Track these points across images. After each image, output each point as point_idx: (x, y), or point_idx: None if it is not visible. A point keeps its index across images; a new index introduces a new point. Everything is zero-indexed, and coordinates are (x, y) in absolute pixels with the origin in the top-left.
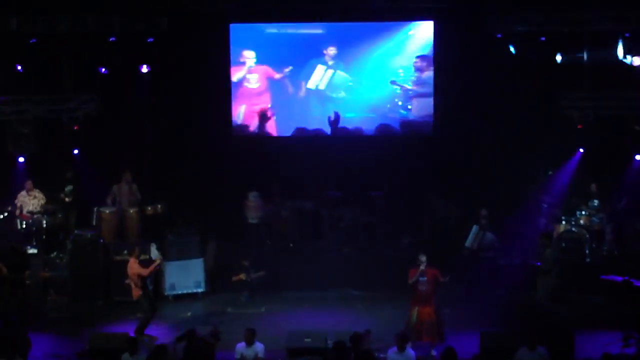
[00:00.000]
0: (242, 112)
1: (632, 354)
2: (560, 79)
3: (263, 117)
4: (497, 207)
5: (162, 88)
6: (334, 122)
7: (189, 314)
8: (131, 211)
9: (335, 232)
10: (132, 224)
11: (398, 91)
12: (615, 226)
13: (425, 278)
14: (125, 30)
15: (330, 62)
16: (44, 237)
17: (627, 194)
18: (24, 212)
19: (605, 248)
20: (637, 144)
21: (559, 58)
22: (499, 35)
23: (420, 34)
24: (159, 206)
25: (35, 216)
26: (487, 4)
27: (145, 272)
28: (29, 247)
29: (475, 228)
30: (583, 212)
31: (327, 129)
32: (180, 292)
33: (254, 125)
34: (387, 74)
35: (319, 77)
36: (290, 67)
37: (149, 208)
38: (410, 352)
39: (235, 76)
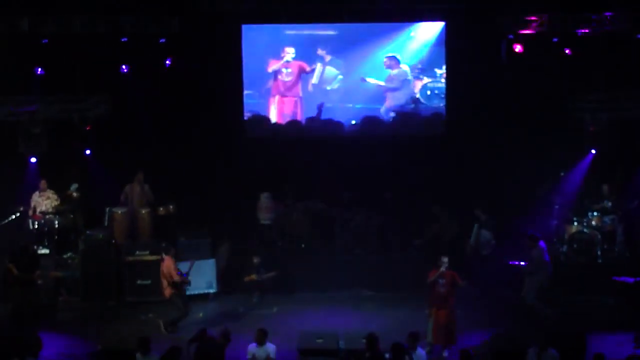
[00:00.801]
0: (276, 102)
1: None
2: (572, 80)
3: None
4: (508, 208)
5: (175, 89)
6: (318, 111)
7: (201, 314)
8: (143, 212)
9: (347, 233)
10: (144, 225)
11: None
12: (627, 227)
13: (445, 280)
14: (137, 31)
15: (327, 59)
16: (55, 237)
17: (639, 195)
18: (37, 212)
19: (616, 249)
20: None
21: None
22: (511, 36)
23: (421, 36)
24: (171, 207)
25: (47, 216)
26: (499, 4)
27: (176, 277)
28: (40, 247)
29: (476, 226)
30: (595, 213)
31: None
32: (192, 293)
33: (292, 114)
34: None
35: (319, 73)
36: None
37: (161, 209)
38: (420, 351)
39: (271, 67)
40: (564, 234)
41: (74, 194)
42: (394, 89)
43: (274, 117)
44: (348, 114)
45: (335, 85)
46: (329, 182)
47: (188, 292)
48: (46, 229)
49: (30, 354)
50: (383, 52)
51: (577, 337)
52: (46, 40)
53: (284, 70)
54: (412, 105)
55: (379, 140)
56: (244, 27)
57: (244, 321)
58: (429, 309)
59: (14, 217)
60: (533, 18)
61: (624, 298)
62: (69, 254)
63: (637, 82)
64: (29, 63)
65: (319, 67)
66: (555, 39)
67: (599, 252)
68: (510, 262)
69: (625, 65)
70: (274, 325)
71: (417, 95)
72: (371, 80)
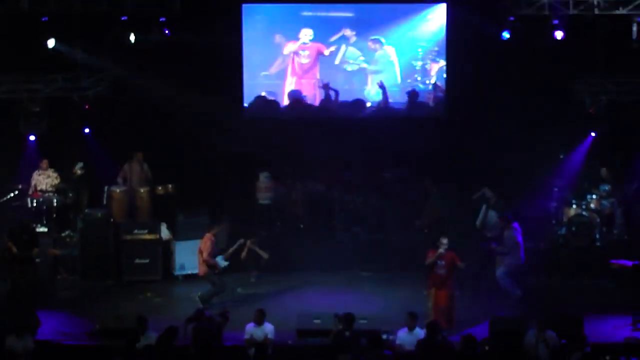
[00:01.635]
0: (291, 86)
1: None
2: (573, 62)
3: (326, 89)
4: (508, 190)
5: (174, 68)
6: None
7: (199, 294)
8: (142, 191)
9: (346, 214)
10: (143, 204)
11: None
12: (626, 210)
13: (444, 262)
14: (137, 10)
15: (352, 40)
16: (54, 215)
17: (638, 179)
18: (37, 190)
19: (615, 232)
20: None
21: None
22: (512, 18)
23: (437, 18)
24: (170, 186)
25: (46, 195)
26: None
27: (206, 256)
28: (39, 225)
29: (483, 207)
30: (594, 196)
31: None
32: (190, 272)
33: (312, 97)
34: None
35: (342, 53)
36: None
37: (160, 188)
38: (419, 332)
39: (287, 49)
40: (562, 216)
41: (79, 172)
42: (377, 72)
43: (287, 99)
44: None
45: (356, 67)
46: (329, 162)
47: (187, 272)
48: (45, 207)
49: (28, 331)
50: (399, 34)
51: (575, 320)
52: (46, 19)
53: (301, 52)
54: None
55: (379, 121)
56: (244, 6)
57: (241, 301)
58: (428, 290)
59: (12, 195)
60: None
61: (622, 281)
62: (67, 233)
63: (637, 65)
64: (29, 41)
65: (342, 47)
66: (555, 21)
67: (597, 235)
68: (482, 244)
69: (625, 47)
70: (272, 306)
71: (434, 80)
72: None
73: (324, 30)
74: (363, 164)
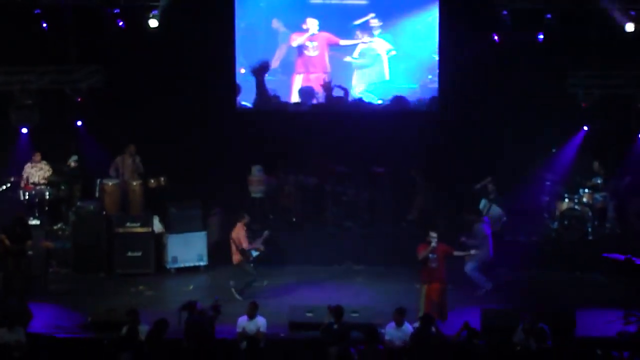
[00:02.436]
0: (299, 82)
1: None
2: (566, 56)
3: (327, 88)
4: (500, 184)
5: (167, 60)
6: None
7: (191, 287)
8: (134, 184)
9: (338, 207)
10: (135, 197)
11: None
12: (618, 204)
13: (436, 255)
14: (129, 2)
15: (376, 33)
16: (46, 208)
17: (631, 172)
18: (29, 182)
19: (607, 226)
20: None
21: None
22: (505, 12)
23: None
24: (162, 179)
25: (38, 187)
26: None
27: (245, 244)
28: (31, 218)
29: (484, 201)
30: (586, 190)
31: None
32: (182, 265)
33: (317, 96)
34: (426, 45)
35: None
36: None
37: (152, 181)
38: (408, 327)
39: (295, 42)
40: (555, 210)
41: (72, 164)
42: (363, 66)
43: (295, 96)
44: (376, 92)
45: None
46: (321, 156)
47: (179, 265)
48: (37, 200)
49: (20, 324)
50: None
51: (567, 314)
52: (39, 11)
53: (309, 44)
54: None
55: (371, 114)
56: None
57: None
58: (421, 284)
59: (4, 187)
60: None
61: (614, 275)
62: (59, 225)
63: (629, 59)
64: (22, 34)
65: (364, 38)
66: (548, 15)
67: (589, 229)
68: (462, 240)
69: (618, 41)
70: (264, 299)
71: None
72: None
73: (335, 19)
74: (355, 158)
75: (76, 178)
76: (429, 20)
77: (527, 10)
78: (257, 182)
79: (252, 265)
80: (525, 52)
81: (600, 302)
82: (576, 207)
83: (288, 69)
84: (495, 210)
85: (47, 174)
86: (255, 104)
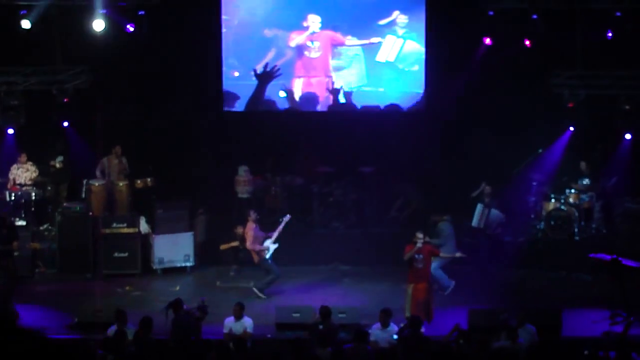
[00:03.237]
0: (299, 87)
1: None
2: (551, 57)
3: (334, 93)
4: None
5: (154, 61)
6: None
7: (178, 287)
8: (121, 184)
9: (325, 208)
10: (122, 197)
11: None
12: (605, 204)
13: (422, 256)
14: (115, 3)
15: (400, 32)
16: (32, 209)
17: (617, 173)
18: (16, 184)
19: (594, 226)
20: (628, 123)
21: None
22: (491, 13)
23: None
24: (149, 180)
25: (24, 188)
26: None
27: (250, 244)
28: (17, 219)
29: (479, 207)
30: (572, 191)
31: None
32: (169, 266)
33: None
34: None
35: (389, 48)
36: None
37: (139, 181)
38: (393, 328)
39: (294, 41)
40: (541, 210)
41: (58, 165)
42: (340, 68)
43: (294, 103)
44: (377, 98)
45: (415, 67)
46: (308, 156)
47: (165, 266)
48: (23, 200)
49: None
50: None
51: (553, 314)
52: (24, 12)
53: (309, 44)
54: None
55: (358, 115)
56: None
57: (221, 295)
58: (407, 285)
59: None
60: None
61: (601, 275)
62: (46, 226)
63: (615, 59)
64: (6, 33)
65: (390, 39)
66: (534, 16)
67: (576, 229)
68: (426, 241)
69: (604, 42)
70: (251, 299)
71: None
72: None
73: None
74: (342, 158)
75: (62, 179)
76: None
77: (513, 10)
78: (243, 182)
79: (270, 263)
80: (510, 53)
81: (587, 302)
82: (562, 207)
83: (285, 70)
84: (494, 213)
85: (34, 174)
86: (247, 106)
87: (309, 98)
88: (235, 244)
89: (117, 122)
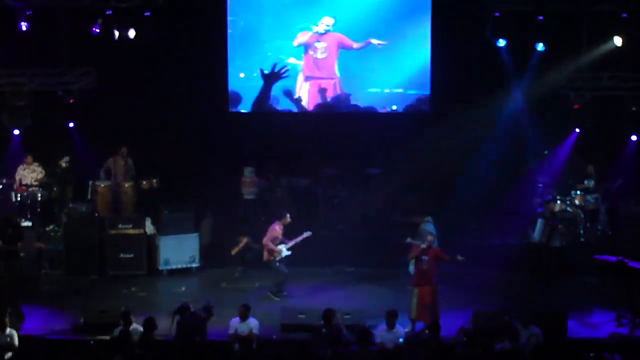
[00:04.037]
0: (305, 88)
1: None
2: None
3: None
4: (493, 186)
5: (159, 63)
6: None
7: (183, 288)
8: (126, 185)
9: (330, 210)
10: (127, 198)
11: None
12: (610, 206)
13: (427, 257)
14: (121, 5)
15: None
16: (38, 210)
17: (622, 175)
18: (22, 184)
19: (599, 228)
20: (633, 124)
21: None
22: (497, 14)
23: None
24: (154, 181)
25: (30, 189)
26: None
27: (266, 240)
28: (23, 219)
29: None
30: (578, 192)
31: None
32: (174, 267)
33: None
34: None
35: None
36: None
37: (144, 182)
38: (399, 329)
39: (298, 40)
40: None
41: (64, 165)
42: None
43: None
44: (386, 99)
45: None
46: (313, 158)
47: (171, 267)
48: (29, 201)
49: (12, 326)
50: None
51: (558, 315)
52: (30, 12)
53: (316, 44)
54: None
55: (363, 117)
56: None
57: (226, 296)
58: (412, 286)
59: None
60: None
61: (606, 277)
62: (51, 227)
63: (621, 61)
64: (13, 35)
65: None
66: (540, 17)
67: (581, 231)
68: (407, 241)
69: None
70: (256, 301)
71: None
72: None
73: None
74: (347, 160)
75: (68, 180)
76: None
77: (519, 12)
78: (249, 183)
79: (280, 264)
80: (517, 54)
81: (592, 304)
82: (568, 209)
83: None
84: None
85: (40, 175)
86: (252, 107)
87: (314, 99)
88: (243, 242)
89: (123, 123)
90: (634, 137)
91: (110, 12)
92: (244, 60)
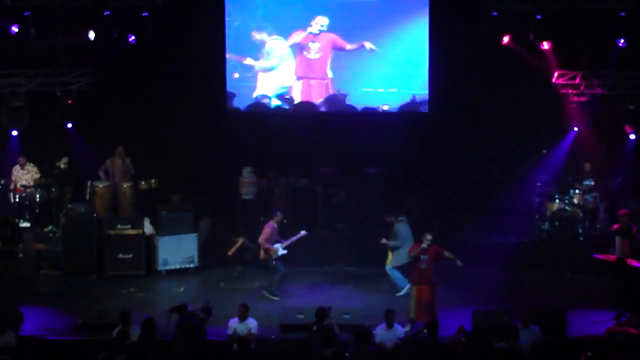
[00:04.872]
0: (298, 88)
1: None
2: (556, 57)
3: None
4: (491, 185)
5: (157, 63)
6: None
7: (182, 289)
8: (125, 186)
9: (329, 209)
10: (126, 199)
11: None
12: (609, 205)
13: (426, 257)
14: (120, 5)
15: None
16: (37, 211)
17: (621, 173)
18: (18, 186)
19: (598, 227)
20: (632, 123)
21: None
22: (495, 13)
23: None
24: (153, 181)
25: (28, 190)
26: None
27: (261, 240)
28: (21, 220)
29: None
30: (577, 191)
31: None
32: (173, 268)
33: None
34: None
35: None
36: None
37: (143, 183)
38: (398, 328)
39: (292, 40)
40: (545, 211)
41: (62, 166)
42: (269, 68)
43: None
44: (382, 99)
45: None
46: (312, 157)
47: (170, 267)
48: (27, 202)
49: (11, 327)
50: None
51: (558, 314)
52: (29, 13)
53: (310, 44)
54: None
55: (362, 116)
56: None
57: (225, 296)
58: (411, 285)
59: None
60: None
61: (605, 276)
62: (50, 228)
63: (619, 60)
64: (11, 36)
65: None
66: (538, 16)
67: (580, 230)
68: (382, 242)
69: (609, 42)
70: (255, 301)
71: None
72: None
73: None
74: (346, 159)
75: (67, 180)
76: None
77: (517, 10)
78: (248, 183)
79: (276, 262)
80: (514, 53)
81: (591, 302)
82: (567, 207)
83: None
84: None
85: (36, 176)
86: (249, 106)
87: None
88: (240, 242)
89: (121, 123)
90: (632, 136)
91: (108, 12)
92: (238, 60)
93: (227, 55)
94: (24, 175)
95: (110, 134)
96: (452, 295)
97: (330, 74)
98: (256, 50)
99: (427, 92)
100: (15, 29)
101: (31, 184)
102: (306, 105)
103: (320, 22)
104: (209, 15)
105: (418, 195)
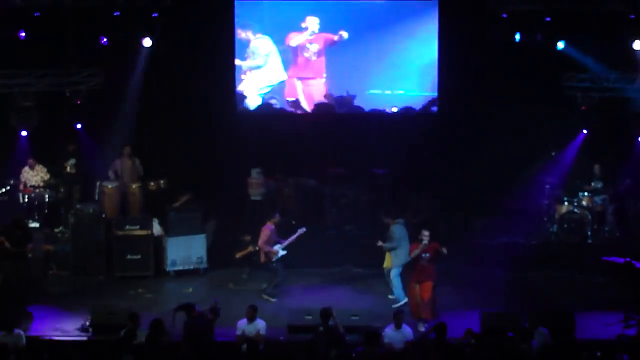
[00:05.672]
0: (299, 89)
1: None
2: (565, 59)
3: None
4: (500, 186)
5: (167, 63)
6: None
7: (191, 289)
8: (134, 186)
9: (337, 210)
10: (135, 199)
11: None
12: (618, 207)
13: (428, 254)
14: (129, 5)
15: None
16: (46, 211)
17: (630, 176)
18: (27, 186)
19: (607, 229)
20: None
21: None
22: (504, 15)
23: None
24: (162, 181)
25: (37, 190)
26: None
27: (261, 242)
28: (30, 221)
29: None
30: (585, 193)
31: None
32: (181, 268)
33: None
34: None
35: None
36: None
37: (152, 183)
38: (407, 329)
39: (294, 41)
40: (554, 213)
41: (68, 169)
42: (256, 67)
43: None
44: (390, 100)
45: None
46: (320, 158)
47: (178, 268)
48: (36, 202)
49: (20, 327)
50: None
51: (566, 316)
52: (38, 14)
53: (309, 45)
54: None
55: (371, 117)
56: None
57: (233, 297)
58: (413, 284)
59: (4, 190)
60: None
61: (614, 278)
62: (59, 228)
63: (629, 62)
64: (21, 36)
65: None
66: (548, 18)
67: (589, 232)
68: (379, 244)
69: (617, 44)
70: (263, 302)
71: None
72: None
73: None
74: (355, 160)
75: (75, 181)
76: (428, 24)
77: (526, 12)
78: (256, 184)
79: (277, 264)
80: (523, 55)
81: (600, 305)
82: (576, 210)
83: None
84: None
85: (45, 177)
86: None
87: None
88: (248, 249)
89: (130, 123)
90: None
91: (118, 13)
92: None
93: None
94: (33, 176)
95: (118, 134)
96: (459, 296)
97: (325, 72)
98: (242, 49)
99: (436, 93)
100: (24, 30)
101: (40, 185)
102: (322, 107)
103: (315, 22)
104: (219, 15)
105: (426, 196)
